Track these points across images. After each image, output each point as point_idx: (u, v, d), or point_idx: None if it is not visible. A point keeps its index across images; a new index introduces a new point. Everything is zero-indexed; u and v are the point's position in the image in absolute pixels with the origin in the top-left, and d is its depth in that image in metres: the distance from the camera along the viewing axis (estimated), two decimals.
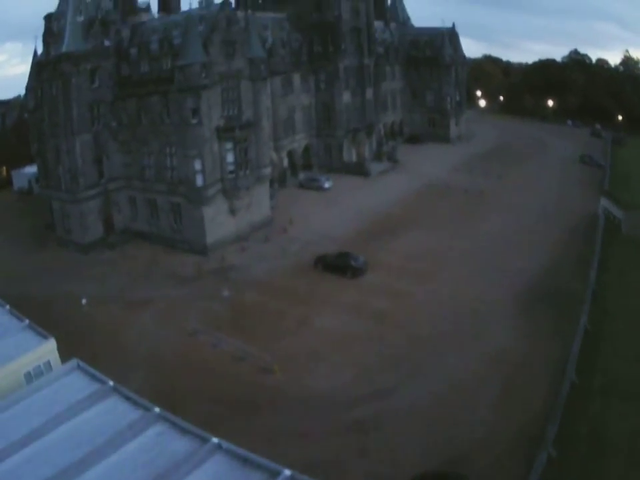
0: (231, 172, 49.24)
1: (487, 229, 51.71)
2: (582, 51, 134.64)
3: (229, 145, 48.90)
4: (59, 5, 50.95)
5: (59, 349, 25.48)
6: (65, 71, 48.92)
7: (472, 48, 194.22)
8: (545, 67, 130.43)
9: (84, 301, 40.57)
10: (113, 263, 49.12)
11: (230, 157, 48.95)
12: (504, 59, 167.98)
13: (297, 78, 68.31)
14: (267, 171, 53.42)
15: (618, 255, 46.69)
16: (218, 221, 49.08)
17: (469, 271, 43.28)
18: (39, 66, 53.28)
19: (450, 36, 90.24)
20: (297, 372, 31.73)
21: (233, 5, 67.10)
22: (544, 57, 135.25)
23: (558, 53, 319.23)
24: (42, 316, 34.40)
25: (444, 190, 64.29)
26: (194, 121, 46.75)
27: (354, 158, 73.70)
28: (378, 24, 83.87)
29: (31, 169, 70.27)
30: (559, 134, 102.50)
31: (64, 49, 48.85)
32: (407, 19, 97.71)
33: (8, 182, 79.64)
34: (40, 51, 54.46)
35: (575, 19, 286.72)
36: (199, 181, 47.41)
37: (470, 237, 49.77)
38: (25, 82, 58.94)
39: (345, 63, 70.99)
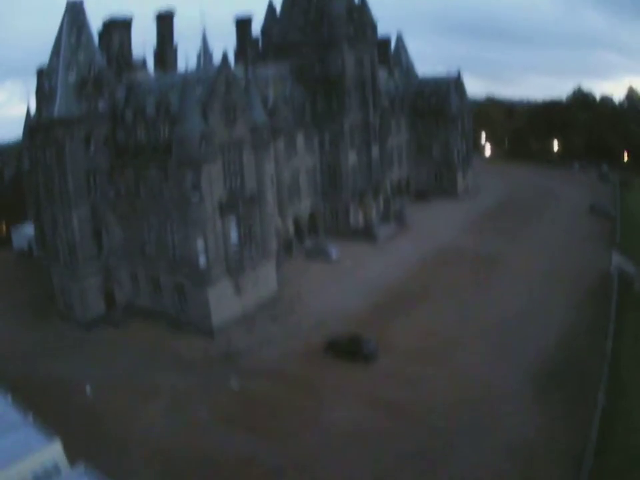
0: (236, 250, 47.45)
1: (500, 300, 50.74)
2: (585, 81, 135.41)
3: (232, 221, 47.17)
4: (50, 60, 49.00)
5: (64, 442, 25.00)
6: (58, 137, 47.23)
7: (474, 84, 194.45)
8: (549, 109, 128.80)
9: (88, 389, 39.20)
10: (117, 342, 47.30)
11: (234, 234, 47.26)
12: (506, 94, 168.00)
13: (300, 137, 66.02)
14: (273, 245, 51.48)
15: (632, 317, 45.95)
16: (223, 302, 47.10)
17: (483, 350, 42.45)
18: (31, 130, 51.77)
19: (455, 84, 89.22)
20: (311, 477, 30.43)
21: (233, 58, 65.98)
22: (547, 90, 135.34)
23: (561, 85, 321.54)
24: (45, 404, 35.01)
25: (454, 256, 62.66)
26: (194, 199, 44.88)
27: (360, 220, 70.89)
28: (382, 73, 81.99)
29: (31, 228, 68.18)
30: (566, 180, 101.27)
31: (56, 113, 47.04)
32: (410, 66, 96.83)
33: (8, 239, 78.20)
34: (33, 108, 52.75)
35: (576, 49, 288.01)
36: (202, 261, 45.54)
37: (483, 311, 48.78)
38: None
39: (350, 120, 68.57)
